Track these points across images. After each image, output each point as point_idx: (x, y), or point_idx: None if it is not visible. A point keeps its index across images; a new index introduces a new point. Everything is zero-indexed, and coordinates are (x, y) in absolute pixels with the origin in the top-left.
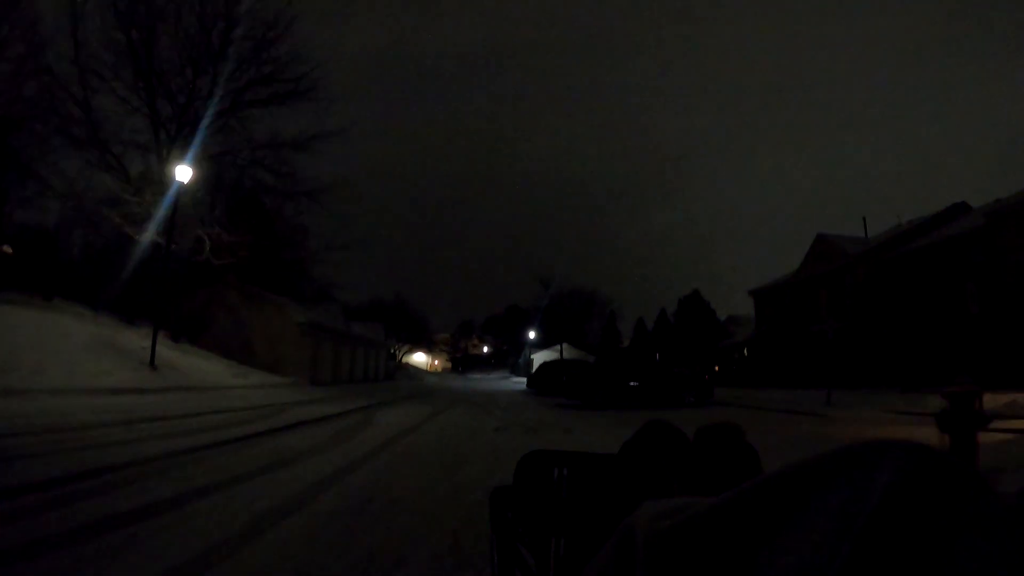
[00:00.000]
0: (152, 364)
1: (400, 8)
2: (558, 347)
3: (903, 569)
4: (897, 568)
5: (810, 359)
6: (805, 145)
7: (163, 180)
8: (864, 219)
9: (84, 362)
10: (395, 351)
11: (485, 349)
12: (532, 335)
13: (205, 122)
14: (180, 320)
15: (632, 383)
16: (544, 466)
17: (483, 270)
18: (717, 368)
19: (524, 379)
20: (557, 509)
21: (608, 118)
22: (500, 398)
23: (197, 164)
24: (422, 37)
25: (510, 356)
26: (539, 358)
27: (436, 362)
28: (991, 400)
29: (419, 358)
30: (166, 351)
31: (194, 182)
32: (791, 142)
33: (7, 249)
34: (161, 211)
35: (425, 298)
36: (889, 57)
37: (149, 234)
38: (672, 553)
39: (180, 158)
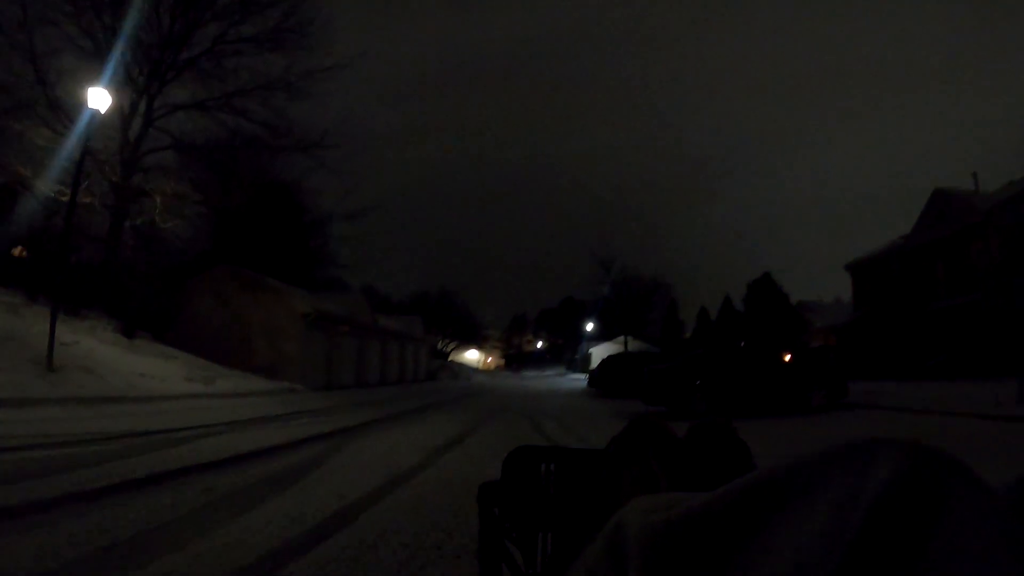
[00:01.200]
0: (49, 364)
1: (445, 8)
2: (619, 340)
3: (901, 564)
4: (895, 563)
5: (932, 342)
6: (877, 114)
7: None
8: (975, 175)
9: None
10: (442, 348)
11: (539, 344)
12: (590, 327)
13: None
14: (146, 311)
15: (740, 381)
16: (531, 461)
17: (536, 263)
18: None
19: (582, 376)
20: (544, 505)
21: (669, 104)
22: (555, 403)
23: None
24: (472, 32)
25: (566, 351)
26: (598, 352)
27: (489, 359)
28: None
29: (471, 356)
30: (103, 348)
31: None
32: (862, 113)
33: None
34: (67, 150)
35: (475, 293)
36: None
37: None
38: (665, 548)
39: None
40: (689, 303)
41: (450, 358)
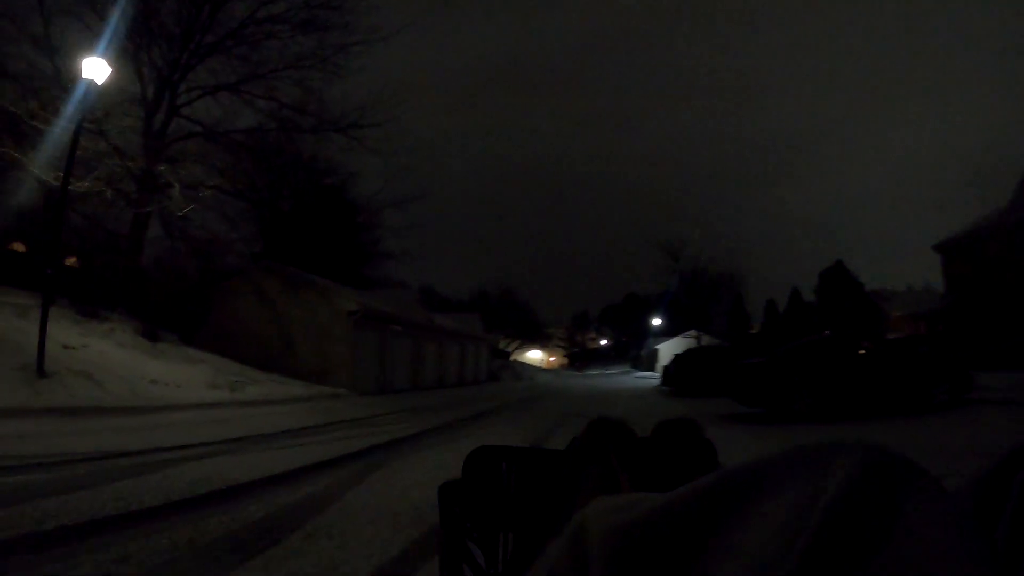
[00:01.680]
0: (40, 369)
1: (505, 9)
2: (687, 335)
3: (857, 564)
4: (852, 563)
5: None
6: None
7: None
8: None
9: None
10: (503, 348)
11: (604, 342)
12: (657, 322)
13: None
14: (176, 313)
15: (851, 377)
16: (492, 461)
17: (598, 260)
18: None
19: (649, 373)
20: (505, 504)
21: (738, 89)
22: (630, 405)
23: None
24: (532, 30)
25: (631, 348)
26: (666, 349)
27: (552, 358)
28: None
29: (533, 355)
30: (116, 352)
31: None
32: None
33: None
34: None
35: (536, 292)
36: None
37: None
38: (627, 549)
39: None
40: (753, 296)
41: (512, 357)
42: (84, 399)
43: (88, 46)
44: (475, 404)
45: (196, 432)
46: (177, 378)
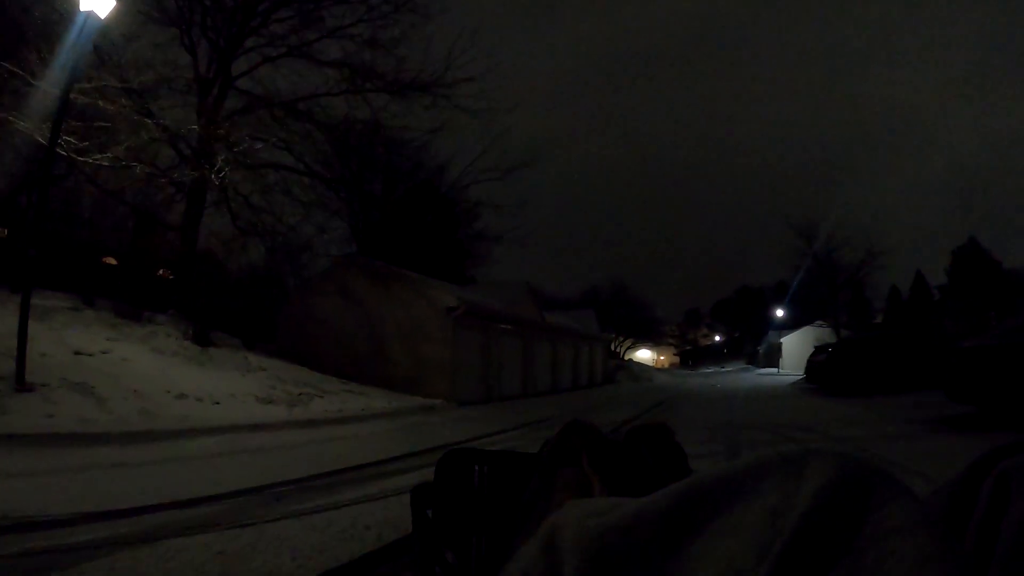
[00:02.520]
0: (20, 381)
1: (593, 9)
2: (815, 325)
3: (829, 570)
4: (823, 569)
5: None
6: None
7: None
8: None
9: None
10: (616, 347)
11: (717, 338)
12: (780, 313)
13: None
14: (238, 314)
15: None
16: (465, 464)
17: (709, 252)
18: None
19: (772, 370)
20: (478, 507)
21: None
22: (782, 409)
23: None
24: (632, 20)
25: (745, 344)
26: (791, 343)
27: (662, 357)
28: None
29: (643, 354)
30: (146, 358)
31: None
32: None
33: None
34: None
35: (647, 288)
36: None
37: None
38: (600, 552)
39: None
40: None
41: (624, 357)
42: (64, 421)
43: None
44: (597, 413)
45: (197, 474)
46: (219, 391)
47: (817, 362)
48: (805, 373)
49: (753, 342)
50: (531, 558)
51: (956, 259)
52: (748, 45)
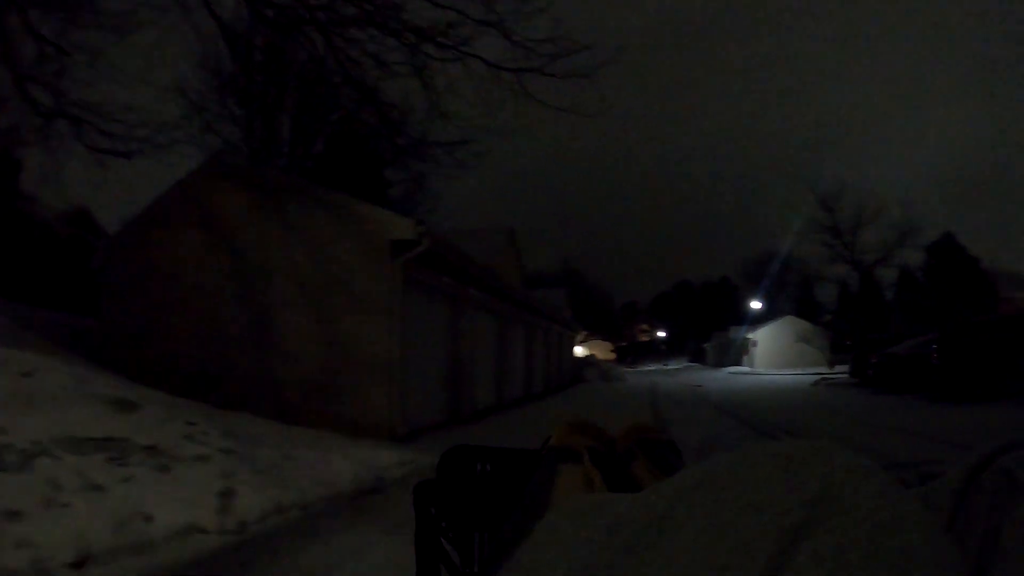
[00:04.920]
0: None
1: None
2: (791, 320)
3: (830, 567)
4: (824, 566)
5: None
6: None
7: None
8: None
9: None
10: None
11: (661, 334)
12: (757, 305)
13: None
14: None
15: None
16: (467, 461)
17: (647, 245)
18: None
19: (744, 368)
20: (480, 504)
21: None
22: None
23: None
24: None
25: (687, 341)
26: (765, 337)
27: (596, 353)
28: None
29: (576, 350)
30: None
31: None
32: None
33: None
34: None
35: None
36: None
37: None
38: (596, 548)
39: None
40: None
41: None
42: None
43: None
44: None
45: None
46: None
47: (900, 357)
48: (855, 371)
49: (697, 339)
50: (530, 553)
51: (931, 254)
52: (711, 49)
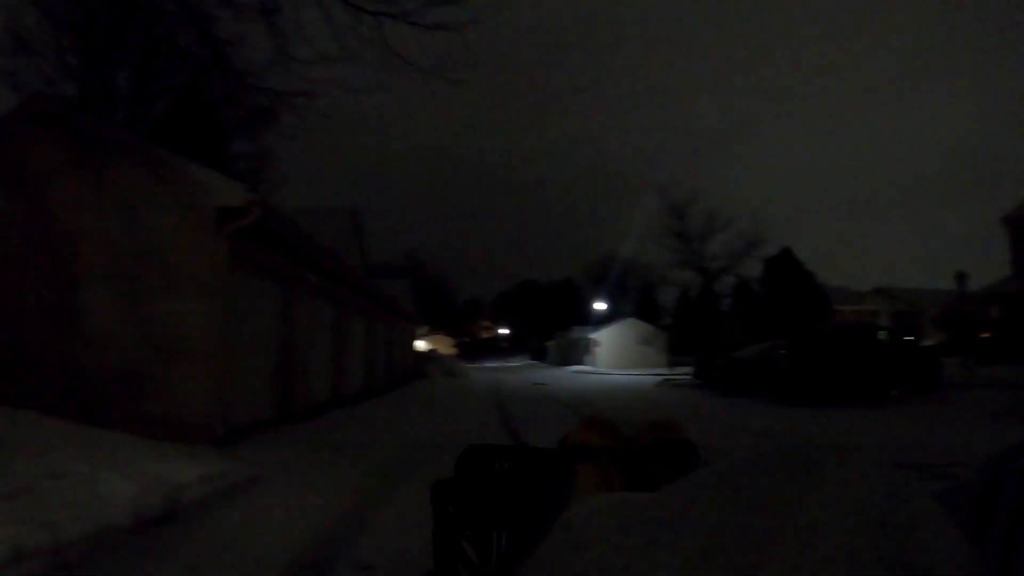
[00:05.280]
0: None
1: None
2: (628, 323)
3: (846, 566)
4: (841, 565)
5: None
6: None
7: None
8: None
9: None
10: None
11: (505, 331)
12: (603, 306)
13: None
14: None
15: None
16: (485, 460)
17: (493, 244)
18: None
19: (587, 368)
20: (499, 503)
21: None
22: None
23: None
24: None
25: (531, 340)
26: (608, 338)
27: (439, 348)
28: None
29: (418, 344)
30: None
31: None
32: None
33: None
34: None
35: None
36: None
37: None
38: (611, 547)
39: None
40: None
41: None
42: None
43: None
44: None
45: None
46: None
47: (746, 361)
48: (699, 373)
49: (539, 338)
50: (547, 552)
51: (770, 267)
52: (582, 49)
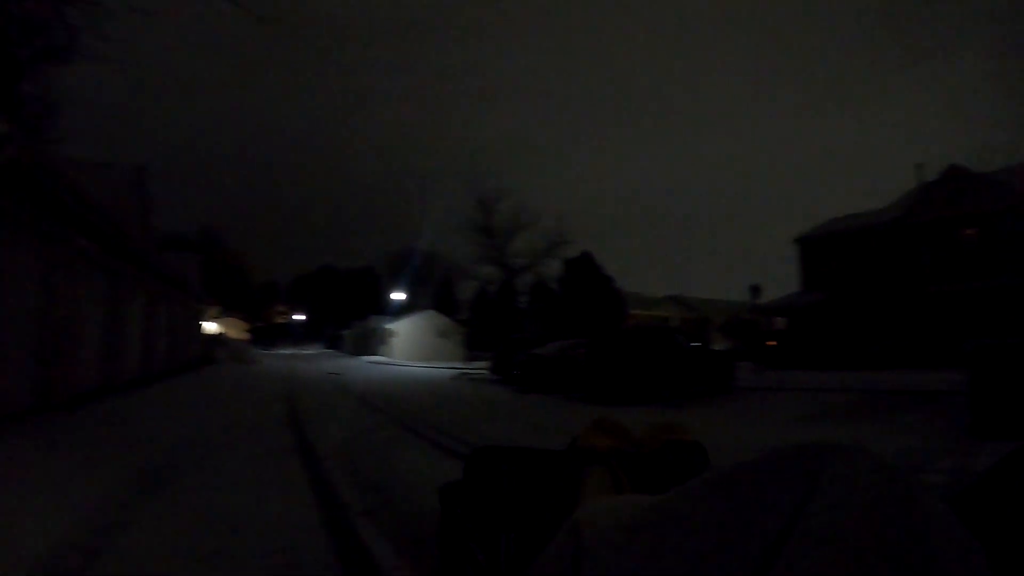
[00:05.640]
0: None
1: None
2: (426, 315)
3: (849, 563)
4: (843, 562)
5: (920, 327)
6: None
7: None
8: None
9: None
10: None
11: (301, 317)
12: (400, 296)
13: None
14: None
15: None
16: (493, 462)
17: (296, 224)
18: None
19: (382, 358)
20: (506, 505)
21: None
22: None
23: None
24: None
25: (327, 328)
26: (405, 329)
27: (230, 332)
28: None
29: (209, 327)
30: None
31: None
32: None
33: None
34: None
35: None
36: None
37: None
38: (617, 549)
39: None
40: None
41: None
42: None
43: None
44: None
45: None
46: None
47: (546, 358)
48: (498, 368)
49: (336, 325)
50: (553, 555)
51: (569, 268)
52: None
